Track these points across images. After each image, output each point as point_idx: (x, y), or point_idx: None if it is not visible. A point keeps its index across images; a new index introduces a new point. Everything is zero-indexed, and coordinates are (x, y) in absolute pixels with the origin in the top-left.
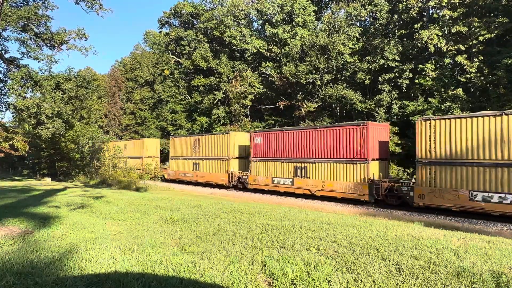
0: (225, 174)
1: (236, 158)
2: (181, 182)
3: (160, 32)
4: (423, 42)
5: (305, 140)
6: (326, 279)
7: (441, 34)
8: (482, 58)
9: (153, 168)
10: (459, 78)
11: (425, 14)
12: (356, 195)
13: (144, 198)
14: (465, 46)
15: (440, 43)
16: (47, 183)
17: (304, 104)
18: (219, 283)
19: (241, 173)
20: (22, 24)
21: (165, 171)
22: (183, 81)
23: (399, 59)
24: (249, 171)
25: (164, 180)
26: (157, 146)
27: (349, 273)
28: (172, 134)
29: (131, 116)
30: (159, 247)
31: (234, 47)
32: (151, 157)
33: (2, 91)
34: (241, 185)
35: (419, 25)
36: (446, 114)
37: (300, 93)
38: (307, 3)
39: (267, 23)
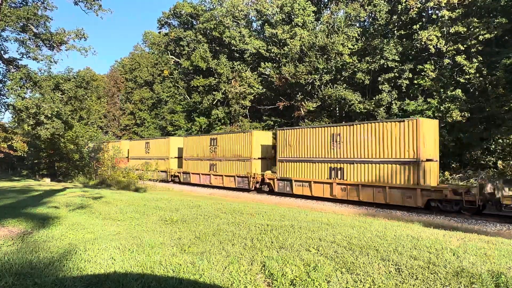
0: None
1: None
2: None
3: (159, 32)
4: (422, 43)
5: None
6: (326, 279)
7: (440, 34)
8: (481, 58)
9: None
10: (458, 78)
11: (424, 14)
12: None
13: (144, 199)
14: (464, 46)
15: (440, 43)
16: (46, 183)
17: (304, 104)
18: (218, 284)
19: None
20: (21, 24)
21: None
22: (183, 82)
23: (398, 59)
24: None
25: None
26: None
27: (349, 274)
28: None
29: (130, 117)
30: (158, 247)
31: (233, 48)
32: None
33: (1, 92)
34: None
35: (418, 25)
36: (445, 114)
37: (300, 94)
38: (306, 3)
39: (266, 24)
